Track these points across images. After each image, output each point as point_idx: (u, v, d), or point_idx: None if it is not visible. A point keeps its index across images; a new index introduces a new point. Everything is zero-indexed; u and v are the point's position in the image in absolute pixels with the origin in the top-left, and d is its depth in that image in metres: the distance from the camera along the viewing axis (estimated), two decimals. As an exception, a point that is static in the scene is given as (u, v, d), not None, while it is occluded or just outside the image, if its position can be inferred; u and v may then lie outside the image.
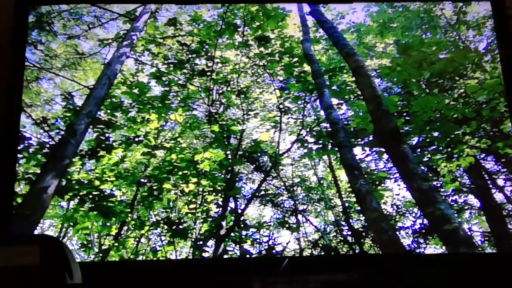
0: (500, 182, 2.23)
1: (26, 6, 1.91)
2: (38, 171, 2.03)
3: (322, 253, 2.03)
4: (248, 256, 1.98)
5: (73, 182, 2.05)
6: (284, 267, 1.52)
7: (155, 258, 1.98)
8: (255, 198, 2.12)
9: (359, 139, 2.35)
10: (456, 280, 1.62)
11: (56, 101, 2.29)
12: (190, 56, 2.54)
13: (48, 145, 2.12)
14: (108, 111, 2.31)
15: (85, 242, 1.98)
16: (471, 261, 1.77)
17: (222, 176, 2.12)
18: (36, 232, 1.94)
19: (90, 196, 2.01)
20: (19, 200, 1.96)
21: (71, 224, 1.96)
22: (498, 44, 2.04)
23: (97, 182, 2.08)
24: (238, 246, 2.00)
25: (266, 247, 2.02)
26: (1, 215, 1.62)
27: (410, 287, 1.62)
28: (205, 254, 1.99)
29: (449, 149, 2.35)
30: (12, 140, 1.70)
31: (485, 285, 1.62)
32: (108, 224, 1.99)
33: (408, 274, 1.62)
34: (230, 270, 1.60)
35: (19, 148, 2.09)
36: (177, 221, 1.96)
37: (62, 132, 2.15)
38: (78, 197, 2.02)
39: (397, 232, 2.12)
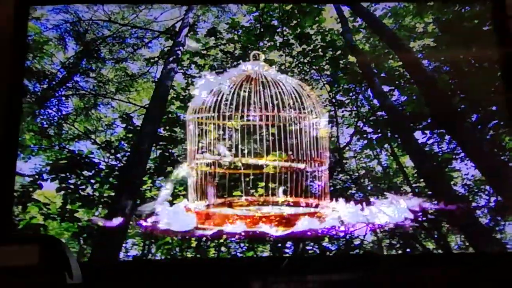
0: None
1: (26, 6, 1.96)
2: (113, 194, 2.11)
3: (323, 253, 2.02)
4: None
5: (147, 200, 2.11)
6: (284, 267, 1.52)
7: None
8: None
9: (417, 123, 2.33)
10: (456, 280, 1.59)
11: (117, 124, 2.37)
12: (235, 63, 2.57)
13: (117, 168, 2.19)
14: (167, 127, 2.37)
15: (169, 257, 2.04)
16: (471, 261, 1.73)
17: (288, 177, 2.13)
18: (121, 253, 2.01)
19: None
20: (100, 223, 2.04)
21: (153, 241, 2.02)
22: (498, 44, 1.99)
23: (169, 198, 2.13)
24: (316, 244, 2.02)
25: (344, 242, 2.03)
26: (1, 215, 1.67)
27: (410, 287, 1.60)
28: (285, 255, 2.02)
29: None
30: (12, 141, 1.75)
31: (485, 285, 1.59)
32: (187, 237, 2.04)
33: (408, 274, 1.60)
34: (230, 270, 1.60)
35: (90, 173, 2.17)
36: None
37: (128, 153, 2.22)
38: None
39: (473, 212, 2.09)
